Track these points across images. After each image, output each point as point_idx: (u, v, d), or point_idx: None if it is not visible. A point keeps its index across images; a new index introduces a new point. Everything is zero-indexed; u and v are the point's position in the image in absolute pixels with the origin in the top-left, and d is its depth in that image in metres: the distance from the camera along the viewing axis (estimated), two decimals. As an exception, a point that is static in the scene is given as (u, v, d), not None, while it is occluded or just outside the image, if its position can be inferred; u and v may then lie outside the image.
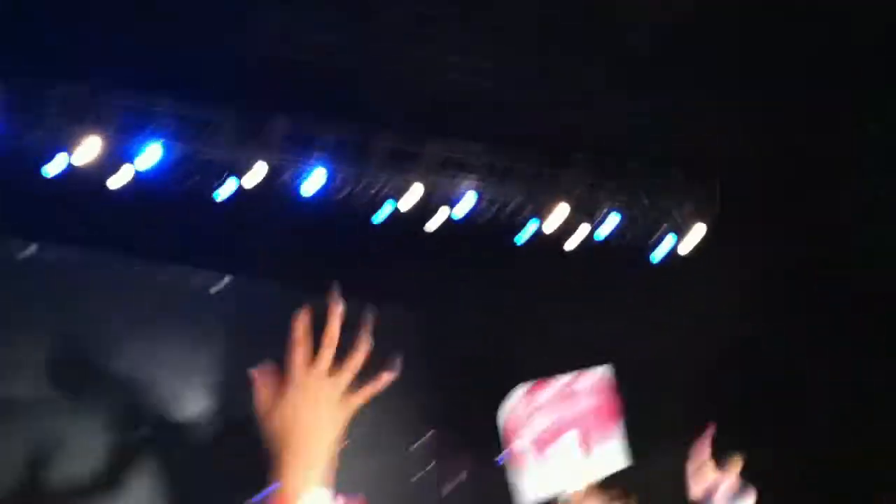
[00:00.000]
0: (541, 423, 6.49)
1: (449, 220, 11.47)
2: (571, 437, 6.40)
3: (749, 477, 9.40)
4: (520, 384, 6.52)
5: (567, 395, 6.60)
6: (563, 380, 6.64)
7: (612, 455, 6.75)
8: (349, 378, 1.32)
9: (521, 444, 6.34)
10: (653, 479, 11.12)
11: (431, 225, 11.39)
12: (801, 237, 10.74)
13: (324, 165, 11.35)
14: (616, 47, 9.24)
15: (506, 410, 6.40)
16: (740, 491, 9.52)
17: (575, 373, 6.70)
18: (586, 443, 6.48)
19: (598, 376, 6.74)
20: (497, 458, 6.58)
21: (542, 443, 6.39)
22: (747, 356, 11.35)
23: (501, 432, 6.14)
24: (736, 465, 9.67)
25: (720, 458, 9.76)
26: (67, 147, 11.01)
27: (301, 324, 1.32)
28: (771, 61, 9.15)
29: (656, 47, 9.13)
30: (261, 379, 1.33)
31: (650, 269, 11.66)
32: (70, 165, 11.13)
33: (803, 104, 9.52)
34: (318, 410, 1.29)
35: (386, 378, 1.35)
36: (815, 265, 10.84)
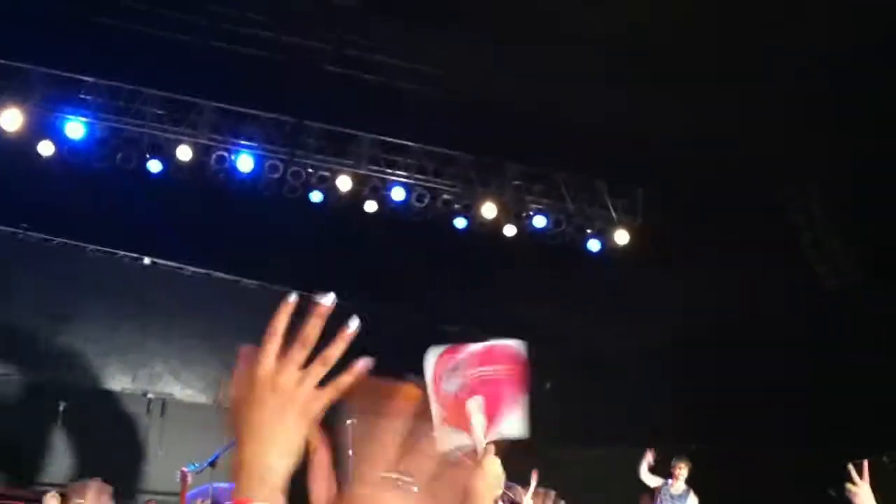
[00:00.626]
0: (450, 385, 7.11)
1: (382, 209, 11.49)
2: (477, 401, 6.98)
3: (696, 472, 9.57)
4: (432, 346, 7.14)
5: (476, 361, 7.19)
6: (473, 347, 7.25)
7: (513, 424, 7.35)
8: (316, 382, 1.24)
9: (433, 403, 6.97)
10: (594, 469, 11.32)
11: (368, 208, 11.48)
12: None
13: (254, 149, 11.21)
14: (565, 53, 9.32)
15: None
16: (685, 492, 9.74)
17: (488, 342, 7.33)
18: (490, 408, 7.10)
19: (509, 348, 7.37)
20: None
21: (451, 401, 6.99)
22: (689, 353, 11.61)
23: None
24: (682, 468, 9.84)
25: (665, 457, 9.94)
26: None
27: (282, 315, 1.23)
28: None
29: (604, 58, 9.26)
30: (246, 359, 1.22)
31: (580, 265, 11.93)
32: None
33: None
34: (282, 412, 1.21)
35: (349, 379, 1.25)
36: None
